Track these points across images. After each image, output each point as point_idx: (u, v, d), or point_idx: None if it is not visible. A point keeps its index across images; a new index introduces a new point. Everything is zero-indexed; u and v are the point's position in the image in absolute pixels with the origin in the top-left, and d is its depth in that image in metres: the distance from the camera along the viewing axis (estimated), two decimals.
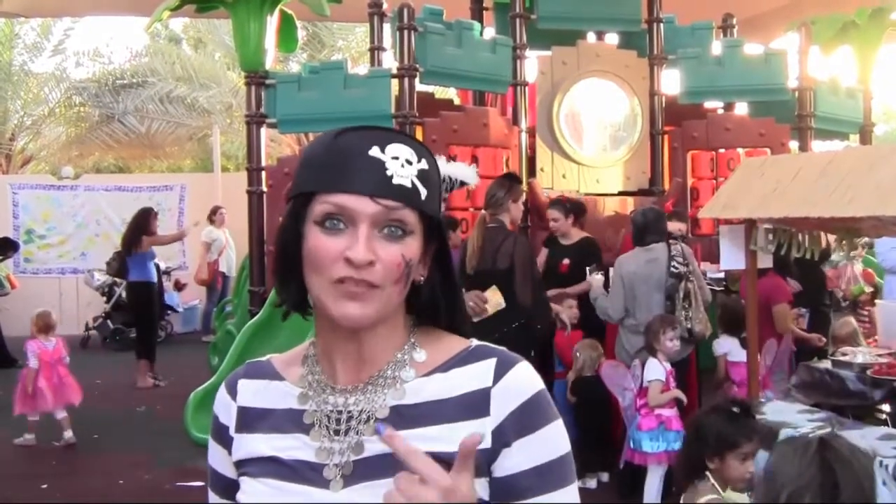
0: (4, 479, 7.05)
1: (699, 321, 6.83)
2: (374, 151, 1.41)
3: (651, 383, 6.17)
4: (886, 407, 6.46)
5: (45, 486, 7.21)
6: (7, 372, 12.31)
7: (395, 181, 1.40)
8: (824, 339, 7.66)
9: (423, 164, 1.45)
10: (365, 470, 1.43)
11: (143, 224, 11.43)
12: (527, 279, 6.30)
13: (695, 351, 7.08)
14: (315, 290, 1.42)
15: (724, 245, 6.25)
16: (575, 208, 8.12)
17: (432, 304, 1.53)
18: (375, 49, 9.34)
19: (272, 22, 8.56)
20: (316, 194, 1.42)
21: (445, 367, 1.49)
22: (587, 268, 7.34)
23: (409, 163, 1.43)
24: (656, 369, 6.21)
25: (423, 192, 1.43)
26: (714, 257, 7.44)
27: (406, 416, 1.45)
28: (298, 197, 1.45)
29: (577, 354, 7.10)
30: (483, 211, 6.68)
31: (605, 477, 6.86)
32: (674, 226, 7.74)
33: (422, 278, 1.49)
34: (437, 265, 1.52)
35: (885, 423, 6.38)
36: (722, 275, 8.38)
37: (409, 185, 1.41)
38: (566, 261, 7.77)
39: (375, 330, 1.47)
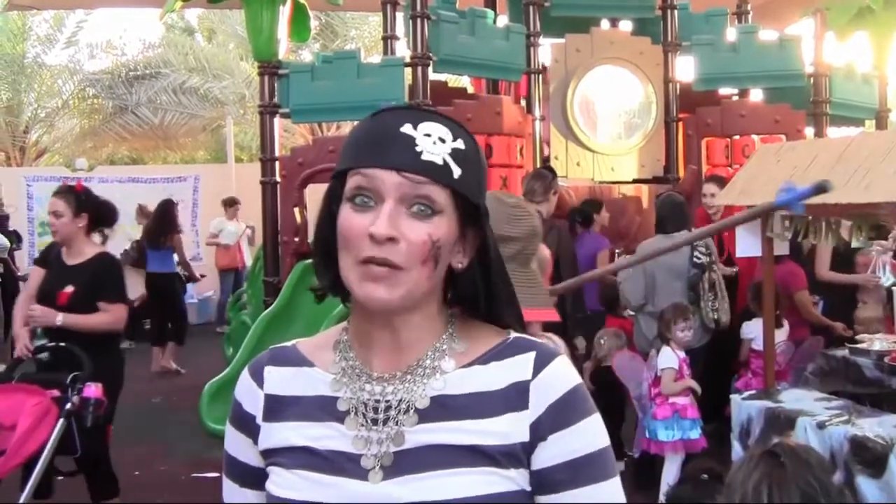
0: (17, 472, 7.04)
1: (725, 311, 6.83)
2: (406, 128, 1.39)
3: (664, 371, 6.16)
4: None
5: (59, 478, 7.21)
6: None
7: (424, 157, 1.38)
8: (850, 330, 7.50)
9: (459, 144, 1.42)
10: (407, 462, 1.40)
11: (167, 219, 11.52)
12: (573, 274, 6.33)
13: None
14: (344, 271, 1.40)
15: (739, 232, 6.23)
16: (94, 205, 5.81)
17: (472, 296, 1.50)
18: (388, 38, 9.31)
19: (285, 11, 8.52)
20: (349, 172, 1.41)
21: (484, 358, 1.47)
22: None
23: (442, 140, 1.40)
24: (669, 357, 6.19)
25: (457, 171, 1.40)
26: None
27: (447, 408, 1.43)
28: (336, 178, 1.44)
29: (602, 342, 7.07)
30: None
31: (620, 466, 6.84)
32: (709, 189, 7.72)
33: (461, 265, 1.46)
34: (479, 255, 1.48)
35: None
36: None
37: (440, 161, 1.39)
38: (69, 288, 5.52)
39: (409, 318, 1.44)
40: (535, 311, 2.57)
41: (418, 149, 1.38)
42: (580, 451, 1.42)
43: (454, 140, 1.41)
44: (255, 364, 1.59)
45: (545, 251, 3.28)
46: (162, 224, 11.58)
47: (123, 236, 15.34)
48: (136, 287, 13.66)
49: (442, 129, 1.41)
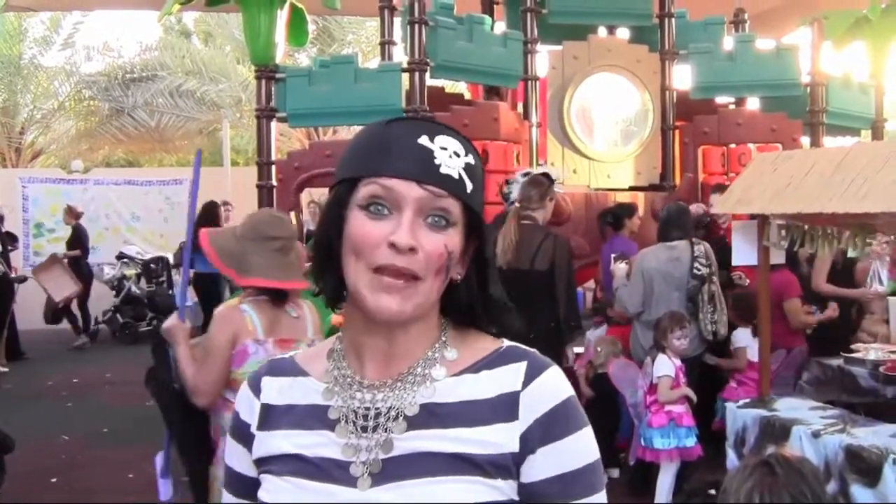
0: (14, 474, 7.05)
1: (723, 324, 6.82)
2: (424, 140, 1.40)
3: (661, 379, 6.15)
4: None
5: (54, 479, 7.22)
6: (17, 364, 12.35)
7: (442, 170, 1.39)
8: (837, 310, 7.45)
9: (470, 159, 1.44)
10: (394, 469, 1.40)
11: (210, 220, 11.57)
12: (568, 282, 6.28)
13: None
14: (352, 277, 1.39)
15: (736, 240, 6.23)
16: None
17: (468, 305, 1.50)
18: (386, 43, 9.32)
19: (282, 16, 8.53)
20: (361, 179, 1.40)
21: (476, 367, 1.47)
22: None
23: (457, 155, 1.42)
24: (666, 365, 6.19)
25: (469, 186, 1.42)
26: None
27: (436, 415, 1.42)
28: (342, 183, 1.43)
29: (598, 349, 7.08)
30: (515, 205, 6.57)
31: (615, 473, 6.84)
32: (717, 199, 7.68)
33: (459, 277, 1.46)
34: (475, 264, 1.49)
35: None
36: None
37: (456, 175, 1.41)
38: None
39: (409, 327, 1.44)
40: (292, 283, 3.96)
41: (437, 162, 1.39)
42: (570, 466, 1.42)
43: (466, 155, 1.44)
44: (254, 376, 1.60)
45: (301, 247, 4.36)
46: (205, 226, 11.65)
47: (118, 237, 15.39)
48: (68, 287, 13.76)
49: (456, 143, 1.43)
